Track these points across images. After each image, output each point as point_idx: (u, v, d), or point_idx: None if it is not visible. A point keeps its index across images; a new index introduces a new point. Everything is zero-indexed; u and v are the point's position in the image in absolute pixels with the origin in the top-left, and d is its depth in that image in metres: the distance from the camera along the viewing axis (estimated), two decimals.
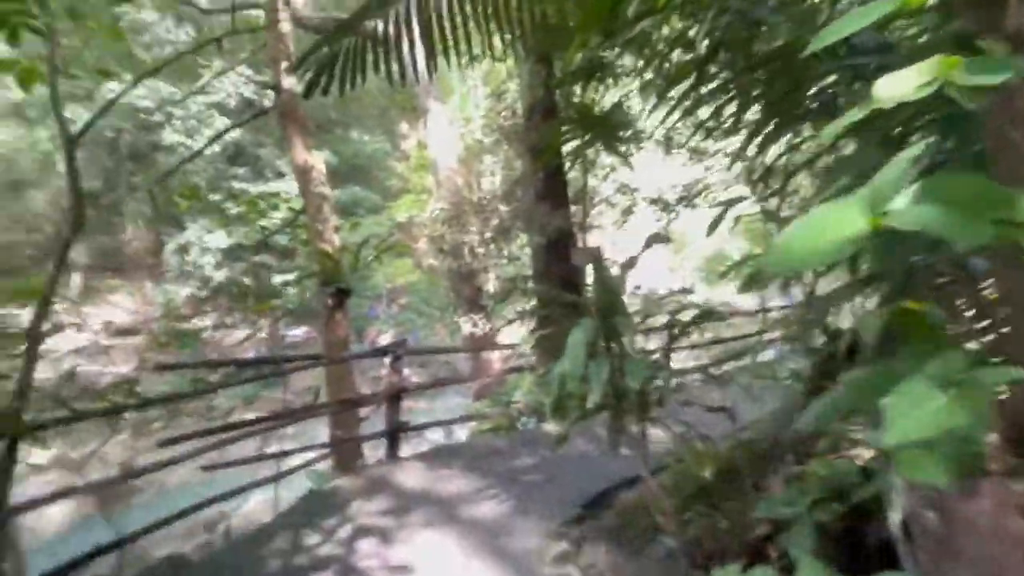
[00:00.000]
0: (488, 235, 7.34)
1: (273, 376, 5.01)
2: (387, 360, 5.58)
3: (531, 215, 7.80)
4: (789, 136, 2.72)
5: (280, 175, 26.06)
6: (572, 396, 2.45)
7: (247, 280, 24.90)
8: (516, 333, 24.23)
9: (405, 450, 6.37)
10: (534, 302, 10.17)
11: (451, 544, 3.39)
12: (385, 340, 22.77)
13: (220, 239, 23.28)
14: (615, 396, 2.51)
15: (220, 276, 24.43)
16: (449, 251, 7.55)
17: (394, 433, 5.51)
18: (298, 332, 25.29)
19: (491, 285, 10.35)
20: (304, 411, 4.82)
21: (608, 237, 10.45)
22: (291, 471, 5.08)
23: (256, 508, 7.29)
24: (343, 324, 6.08)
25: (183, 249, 24.59)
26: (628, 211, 9.77)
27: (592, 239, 8.24)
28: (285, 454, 5.08)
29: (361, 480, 4.75)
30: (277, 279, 28.54)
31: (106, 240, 24.95)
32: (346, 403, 5.39)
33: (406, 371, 21.85)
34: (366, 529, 3.75)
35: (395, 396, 5.54)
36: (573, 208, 8.76)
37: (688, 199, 9.70)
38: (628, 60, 5.36)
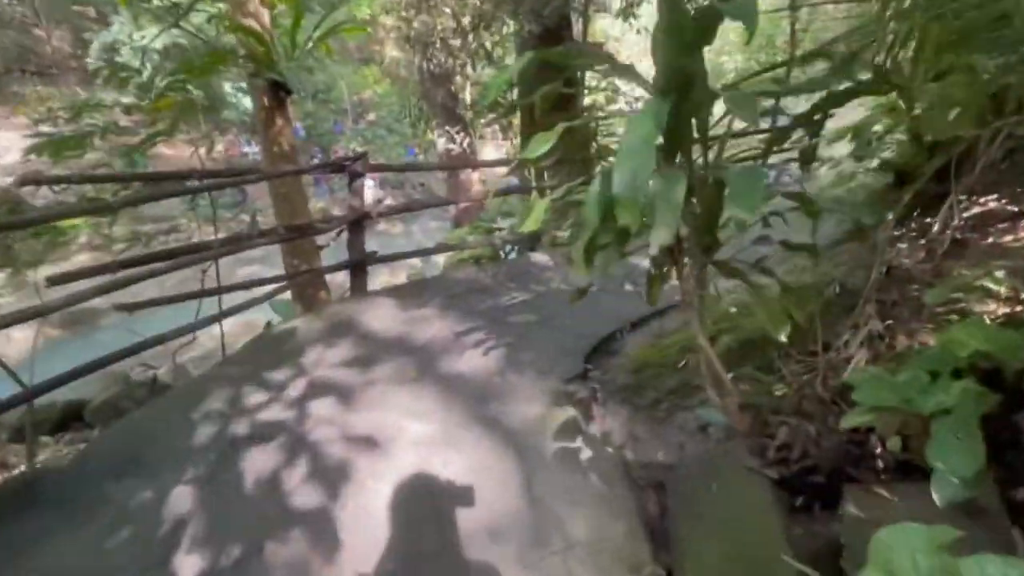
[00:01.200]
0: (467, 21, 5.80)
1: (201, 191, 3.93)
2: (345, 179, 4.51)
3: None
4: None
5: None
6: (615, 233, 1.52)
7: (193, 88, 22.08)
8: (498, 150, 22.68)
9: (376, 283, 5.58)
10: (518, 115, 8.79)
11: (427, 411, 2.69)
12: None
13: (154, 38, 20.07)
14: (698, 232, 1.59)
15: (162, 83, 21.59)
16: (415, 41, 6.03)
17: (359, 265, 4.64)
18: (258, 149, 23.29)
19: (468, 92, 8.84)
20: (237, 241, 3.85)
21: (611, 31, 8.81)
22: (238, 308, 4.25)
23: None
24: (286, 131, 4.86)
25: (111, 49, 21.33)
26: None
27: (595, 32, 6.70)
28: (230, 289, 4.21)
29: (321, 321, 3.97)
30: (229, 87, 25.69)
31: (15, 37, 21.41)
32: (294, 229, 4.42)
33: (379, 192, 20.51)
34: (324, 385, 3.03)
35: (357, 222, 4.57)
36: None
37: None
38: None
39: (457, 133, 8.04)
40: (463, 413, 2.60)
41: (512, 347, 3.40)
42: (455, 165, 6.14)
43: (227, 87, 25.68)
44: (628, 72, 1.84)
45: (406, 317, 4.00)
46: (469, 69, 7.11)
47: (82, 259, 15.66)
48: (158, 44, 20.63)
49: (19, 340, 12.11)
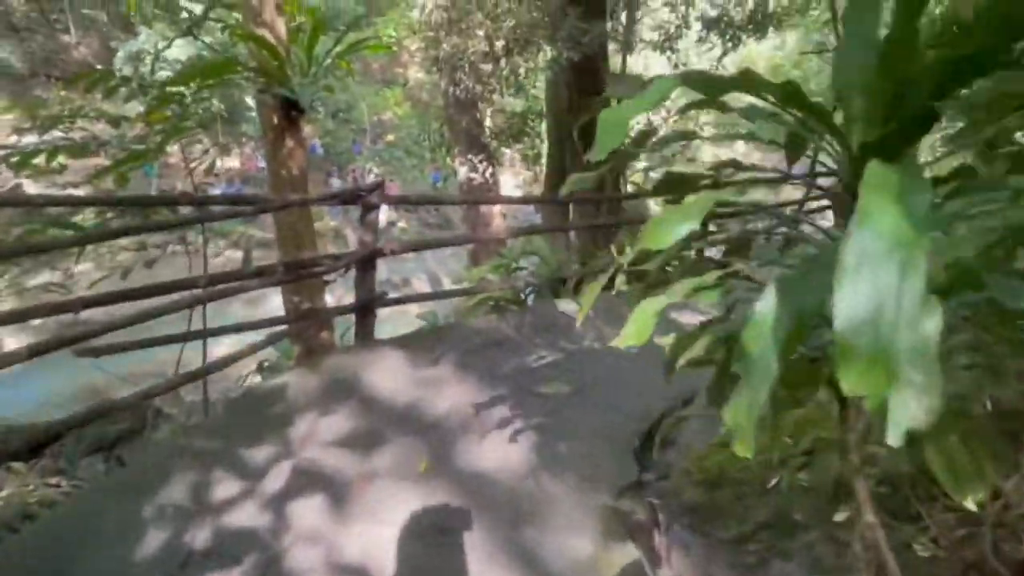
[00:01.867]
0: (500, 45, 5.32)
1: (191, 224, 3.38)
2: (357, 210, 3.96)
3: (557, 22, 5.69)
4: None
5: None
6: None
7: (214, 100, 21.96)
8: (516, 178, 22.27)
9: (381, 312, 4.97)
10: (547, 144, 8.29)
11: (441, 531, 2.06)
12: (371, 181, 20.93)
13: (179, 50, 20.03)
14: None
15: (153, 94, 21.46)
16: (444, 63, 5.56)
17: (366, 307, 4.07)
18: None
19: (494, 120, 8.37)
20: (227, 280, 3.29)
21: (644, 62, 8.38)
22: (224, 362, 3.66)
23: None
24: (296, 154, 4.33)
25: (136, 58, 21.30)
26: (677, 32, 7.56)
27: (634, 63, 6.22)
28: (217, 332, 3.64)
29: (317, 376, 3.37)
30: (251, 100, 25.64)
31: (45, 43, 21.44)
32: (296, 267, 3.86)
33: (391, 214, 20.07)
34: (312, 475, 2.42)
35: (368, 259, 4.01)
36: (609, 25, 6.59)
37: (761, 22, 7.47)
38: None
39: (480, 162, 7.55)
40: (488, 543, 1.97)
41: (545, 431, 2.78)
42: (478, 200, 5.62)
43: (248, 100, 25.73)
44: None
45: (417, 377, 3.40)
46: (496, 96, 6.60)
47: (85, 267, 15.29)
48: (182, 56, 20.61)
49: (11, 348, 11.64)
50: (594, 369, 3.66)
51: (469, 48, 5.51)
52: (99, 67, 22.63)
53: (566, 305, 4.98)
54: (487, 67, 5.81)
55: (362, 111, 21.51)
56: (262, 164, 22.72)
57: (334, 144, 23.35)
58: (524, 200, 6.49)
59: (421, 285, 15.51)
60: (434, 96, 27.18)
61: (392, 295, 4.80)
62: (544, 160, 8.52)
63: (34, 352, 2.91)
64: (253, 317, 4.59)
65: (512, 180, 21.10)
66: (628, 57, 6.06)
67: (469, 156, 7.53)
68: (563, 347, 4.03)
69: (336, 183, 20.91)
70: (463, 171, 7.68)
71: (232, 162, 22.35)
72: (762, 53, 27.09)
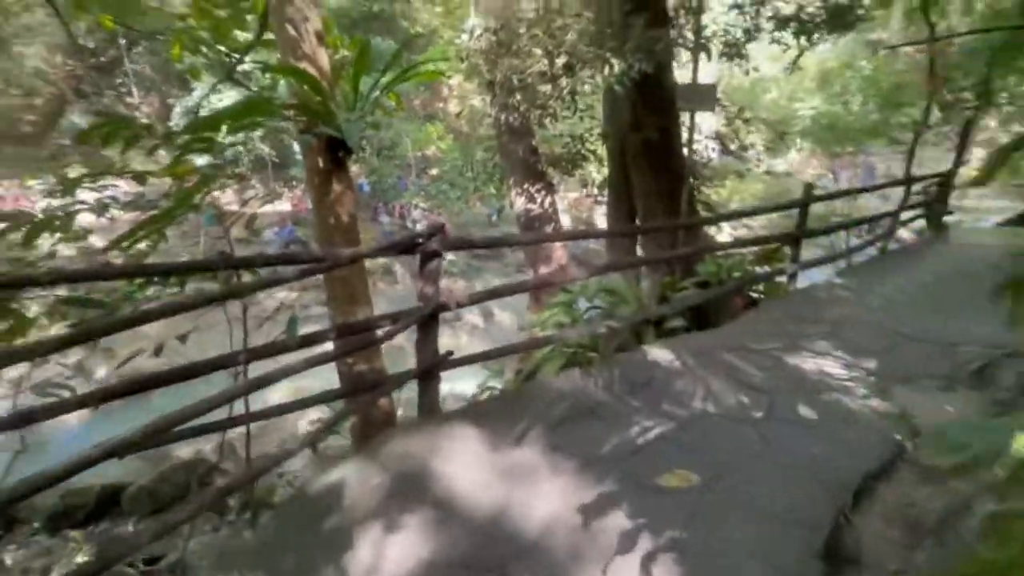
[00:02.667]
0: (561, 62, 4.73)
1: (224, 300, 2.83)
2: (417, 259, 3.35)
3: (619, 32, 5.05)
4: None
5: None
6: None
7: (265, 147, 22.50)
8: (565, 206, 21.56)
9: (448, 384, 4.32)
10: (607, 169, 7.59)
11: None
12: (417, 217, 20.62)
13: (230, 100, 20.57)
14: None
15: (233, 142, 22.08)
16: (499, 87, 5.01)
17: (429, 372, 3.43)
18: None
19: (546, 145, 7.75)
20: (270, 353, 2.70)
21: (708, 69, 7.66)
22: (277, 459, 3.06)
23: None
24: (345, 199, 3.79)
25: (192, 113, 22.03)
26: (746, 35, 6.82)
27: (702, 73, 5.50)
28: (256, 417, 3.06)
29: (378, 469, 2.73)
30: (298, 147, 26.13)
31: (110, 105, 22.43)
32: (348, 331, 3.27)
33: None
34: None
35: (431, 317, 3.38)
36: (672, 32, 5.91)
37: (838, 18, 6.65)
38: None
39: (538, 192, 6.94)
40: None
41: (685, 554, 2.03)
42: (546, 238, 4.99)
43: (296, 146, 26.26)
44: None
45: (500, 466, 2.71)
46: (550, 121, 5.98)
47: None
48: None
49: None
50: (722, 444, 2.88)
51: (527, 68, 4.93)
52: (157, 125, 23.55)
53: (657, 352, 4.21)
54: (545, 88, 5.21)
55: (406, 147, 21.44)
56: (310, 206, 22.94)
57: (380, 181, 23.36)
58: (594, 233, 5.78)
59: (473, 318, 14.95)
60: (475, 127, 27.04)
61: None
62: (600, 182, 7.82)
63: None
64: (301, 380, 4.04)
65: (560, 204, 20.49)
66: (697, 66, 5.33)
67: (525, 186, 6.93)
68: (671, 412, 3.27)
69: (385, 220, 20.79)
70: (520, 202, 7.07)
71: (283, 205, 22.62)
72: (809, 55, 25.67)
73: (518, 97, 5.41)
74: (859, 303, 5.28)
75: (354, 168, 26.01)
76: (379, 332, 3.35)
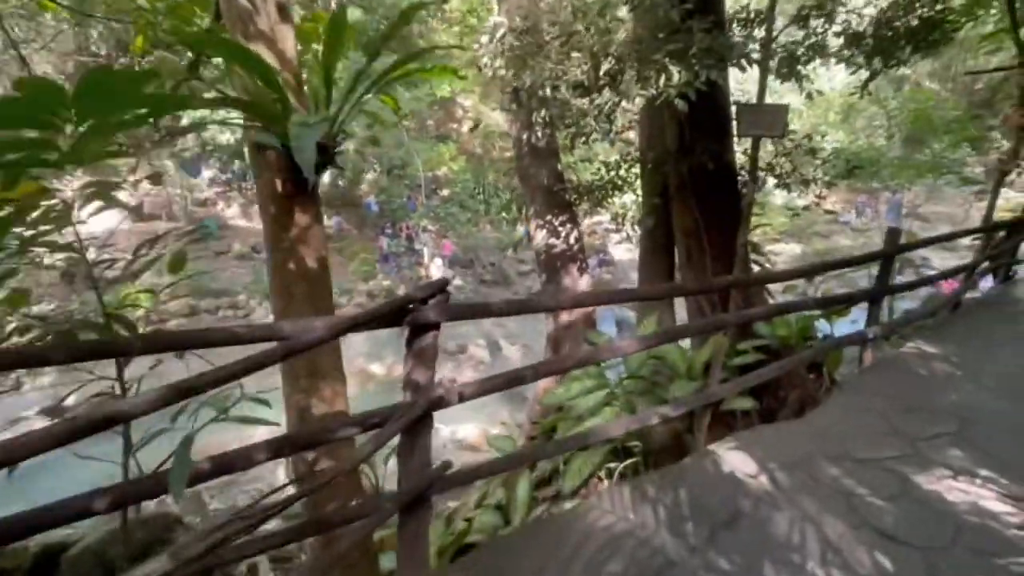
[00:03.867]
0: (606, 68, 3.64)
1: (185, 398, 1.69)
2: (404, 334, 2.23)
3: (678, 37, 3.97)
4: None
5: None
6: None
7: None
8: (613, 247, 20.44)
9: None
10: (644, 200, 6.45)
11: None
12: (425, 240, 19.56)
13: (237, 114, 19.74)
14: None
15: (241, 156, 21.22)
16: (527, 96, 3.94)
17: (416, 502, 2.27)
18: (330, 223, 22.31)
19: (576, 172, 6.65)
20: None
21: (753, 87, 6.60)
22: None
23: None
24: (312, 237, 2.68)
25: (197, 126, 21.29)
26: (809, 52, 5.77)
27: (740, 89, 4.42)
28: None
29: None
30: None
31: None
32: (308, 444, 2.13)
33: (447, 271, 18.59)
34: None
35: (421, 418, 2.25)
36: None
37: (924, 35, 5.60)
38: None
39: (561, 224, 5.82)
40: None
41: None
42: (572, 302, 3.76)
43: None
44: None
45: None
46: (582, 142, 4.88)
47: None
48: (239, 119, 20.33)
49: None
50: None
51: (562, 75, 3.84)
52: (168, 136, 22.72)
53: (732, 459, 3.03)
54: (581, 102, 4.12)
55: (417, 166, 20.52)
56: None
57: (388, 201, 22.43)
58: (637, 295, 4.66)
59: (478, 351, 13.78)
60: (488, 149, 26.14)
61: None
62: (634, 217, 6.70)
63: None
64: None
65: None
66: (761, 82, 4.25)
67: (548, 217, 5.80)
68: (777, 572, 2.11)
69: (385, 241, 19.72)
70: (540, 235, 5.93)
71: None
72: (831, 87, 24.64)
73: (545, 113, 4.32)
74: (972, 381, 4.09)
75: (363, 187, 25.18)
76: (350, 436, 2.20)
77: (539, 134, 5.00)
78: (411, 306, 2.24)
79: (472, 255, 19.95)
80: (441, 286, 2.35)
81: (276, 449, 1.88)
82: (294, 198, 2.65)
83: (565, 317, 5.89)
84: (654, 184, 5.78)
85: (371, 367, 12.74)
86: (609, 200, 5.95)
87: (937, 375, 4.29)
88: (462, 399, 2.42)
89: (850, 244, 21.70)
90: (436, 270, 18.19)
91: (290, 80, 2.53)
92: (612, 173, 5.79)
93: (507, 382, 2.53)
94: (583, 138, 4.75)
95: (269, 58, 2.47)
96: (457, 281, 18.31)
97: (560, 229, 5.83)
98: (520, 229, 6.45)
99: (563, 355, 3.15)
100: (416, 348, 2.32)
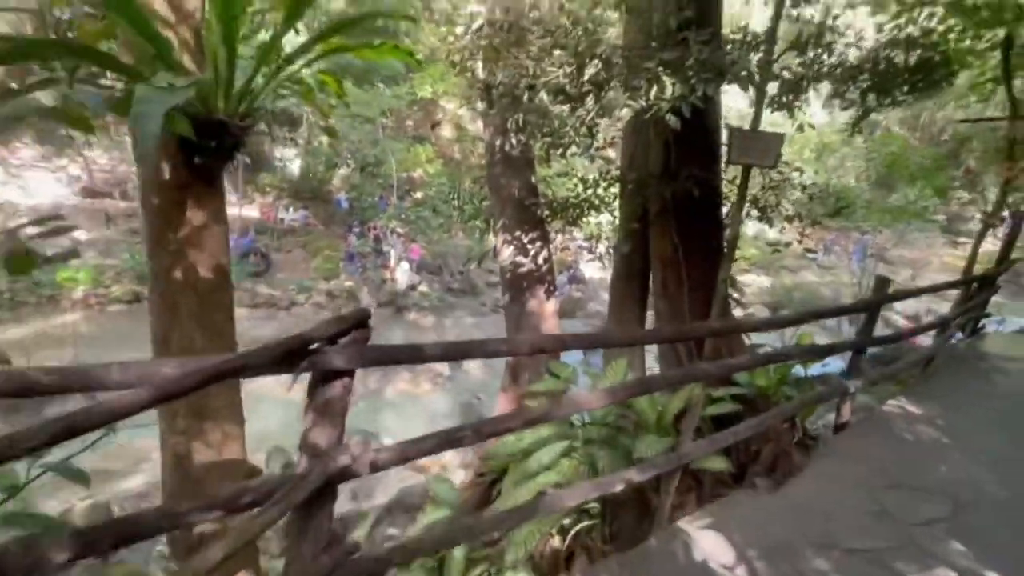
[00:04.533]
0: (590, 73, 3.17)
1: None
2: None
3: (672, 47, 3.53)
4: None
5: None
6: None
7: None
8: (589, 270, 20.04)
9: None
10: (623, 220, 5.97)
11: None
12: (393, 242, 18.79)
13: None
14: None
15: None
16: (499, 99, 3.45)
17: None
18: (297, 216, 21.40)
19: (551, 187, 6.14)
20: None
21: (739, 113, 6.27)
22: None
23: None
24: (210, 239, 2.10)
25: (46, 82, 20.06)
26: (804, 83, 5.43)
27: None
28: None
29: None
30: (279, 153, 24.25)
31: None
32: (174, 517, 1.53)
33: (414, 277, 17.97)
34: None
35: (321, 491, 1.68)
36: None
37: (925, 75, 5.36)
38: None
39: (531, 242, 5.31)
40: None
41: None
42: (528, 346, 3.10)
43: (278, 151, 24.39)
44: None
45: None
46: (560, 154, 4.39)
47: (71, 318, 13.29)
48: None
49: None
50: None
51: (541, 76, 3.35)
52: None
53: (705, 540, 2.55)
54: (561, 109, 3.64)
55: (390, 165, 19.84)
56: (282, 215, 21.03)
57: (359, 199, 21.66)
58: (611, 341, 4.16)
59: (438, 364, 13.13)
60: (467, 155, 25.58)
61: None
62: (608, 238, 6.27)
63: None
64: None
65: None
66: (756, 107, 3.87)
67: (517, 233, 5.28)
68: None
69: (352, 240, 18.94)
70: (507, 252, 5.41)
71: (252, 211, 20.69)
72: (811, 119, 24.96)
73: (520, 117, 3.82)
74: (959, 450, 3.73)
75: (335, 182, 24.30)
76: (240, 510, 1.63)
77: (513, 141, 4.49)
78: (314, 347, 1.69)
79: (441, 261, 19.31)
80: (359, 319, 1.80)
81: (77, 547, 1.29)
82: (187, 188, 2.07)
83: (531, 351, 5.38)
84: (633, 207, 5.33)
85: None
86: (584, 219, 5.48)
87: (923, 441, 3.92)
88: (375, 468, 1.86)
89: (817, 280, 21.86)
90: (402, 274, 17.50)
91: (188, 38, 1.96)
92: (590, 191, 5.32)
93: (438, 445, 1.98)
94: (560, 150, 4.26)
95: (162, 8, 1.90)
96: (423, 287, 17.67)
97: (529, 247, 5.32)
98: (490, 240, 5.92)
99: (512, 412, 2.60)
100: (319, 401, 1.77)
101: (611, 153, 5.64)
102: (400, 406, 11.73)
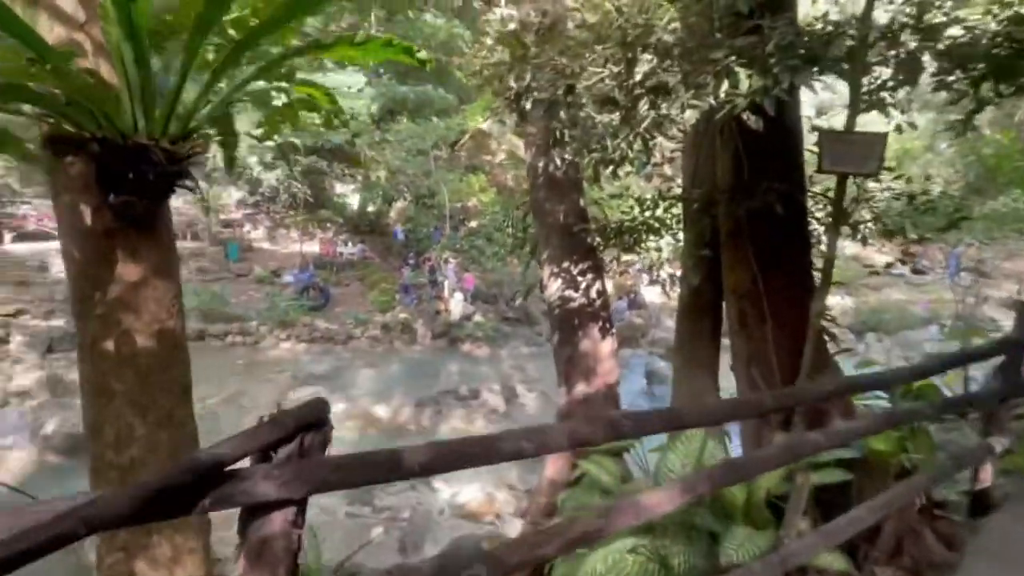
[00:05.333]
0: (641, 72, 2.55)
1: None
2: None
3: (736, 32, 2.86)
4: None
5: (341, 64, 21.33)
6: None
7: (301, 185, 21.01)
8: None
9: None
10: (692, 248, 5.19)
11: None
12: (447, 273, 18.48)
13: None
14: None
15: (271, 179, 20.78)
16: (536, 107, 2.87)
17: None
18: (355, 250, 21.63)
19: (604, 209, 5.44)
20: None
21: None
22: None
23: None
24: (148, 298, 1.61)
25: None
26: (901, 76, 4.54)
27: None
28: None
29: None
30: (339, 188, 24.79)
31: None
32: None
33: (468, 307, 17.52)
34: None
35: None
36: None
37: None
38: None
39: (581, 274, 4.65)
40: None
41: None
42: (582, 438, 2.39)
43: (338, 187, 24.93)
44: None
45: None
46: (611, 172, 3.74)
47: None
48: (269, 141, 20.01)
49: (16, 459, 9.73)
50: None
51: (583, 76, 2.75)
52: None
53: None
54: (609, 118, 3.01)
55: (444, 196, 19.76)
56: (341, 249, 21.31)
57: (414, 231, 21.70)
58: (684, 420, 3.43)
59: (492, 398, 12.51)
60: (520, 182, 25.30)
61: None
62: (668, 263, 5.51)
63: None
64: None
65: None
66: (851, 105, 3.12)
67: (565, 264, 4.64)
68: None
69: (406, 272, 18.83)
70: (554, 286, 4.77)
71: (313, 247, 21.11)
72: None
73: (566, 132, 3.23)
74: None
75: (391, 215, 24.57)
76: None
77: (557, 161, 3.91)
78: (195, 477, 1.10)
79: (496, 290, 18.86)
80: (309, 419, 1.22)
81: None
82: (114, 236, 1.59)
83: (581, 387, 4.67)
84: (700, 229, 4.59)
85: (375, 409, 11.61)
86: (642, 245, 4.78)
87: None
88: None
89: (905, 299, 19.77)
90: (456, 304, 17.16)
91: (88, 41, 1.49)
92: (647, 213, 4.63)
93: None
94: (611, 167, 3.63)
95: (68, 4, 1.45)
96: (478, 317, 17.23)
97: (579, 279, 4.66)
98: (539, 271, 5.31)
99: (545, 531, 1.94)
100: (253, 542, 1.19)
101: (669, 170, 4.96)
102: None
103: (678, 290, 5.10)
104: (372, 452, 1.27)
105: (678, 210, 4.99)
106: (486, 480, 9.61)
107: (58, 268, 16.18)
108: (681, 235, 5.18)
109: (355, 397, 12.23)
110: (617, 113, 3.12)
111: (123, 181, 1.47)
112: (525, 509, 8.46)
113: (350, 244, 21.65)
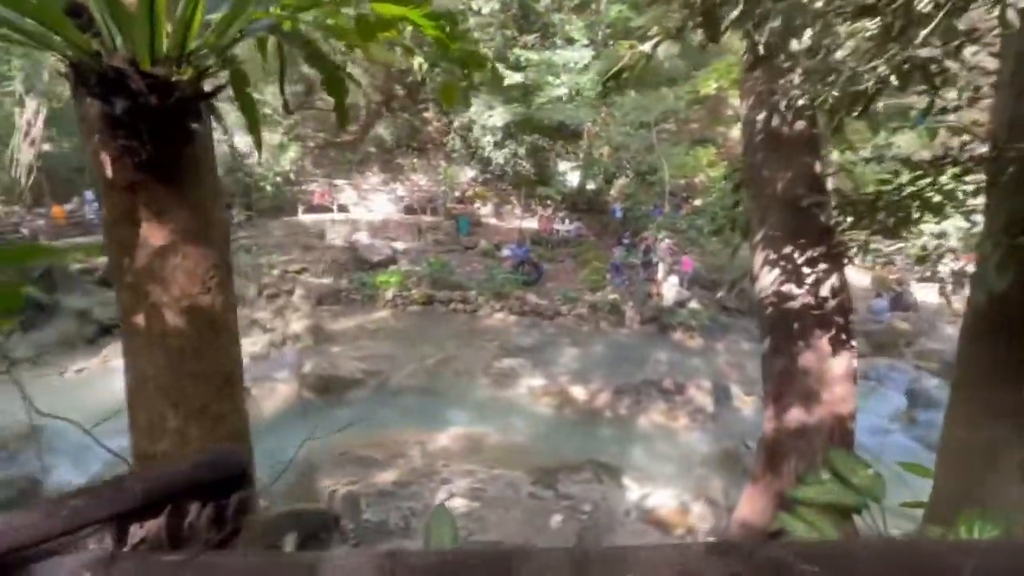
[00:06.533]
0: None
1: None
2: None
3: None
4: None
5: (570, 41, 21.27)
6: None
7: (526, 163, 21.72)
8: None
9: None
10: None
11: None
12: (663, 254, 17.16)
13: (498, 117, 20.32)
14: None
15: (499, 157, 21.85)
16: (760, 23, 1.97)
17: None
18: (571, 227, 21.62)
19: (852, 177, 3.96)
20: None
21: None
22: None
23: None
24: (175, 264, 1.33)
25: (465, 128, 22.60)
26: None
27: None
28: None
29: None
30: (562, 166, 25.02)
31: (407, 119, 24.57)
32: None
33: (683, 292, 16.55)
34: None
35: None
36: None
37: None
38: None
39: (810, 262, 3.40)
40: None
41: None
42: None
43: (561, 164, 25.16)
44: None
45: None
46: (848, 124, 2.53)
47: (381, 315, 15.76)
48: (499, 122, 20.92)
49: (281, 392, 11.87)
50: None
51: None
52: (443, 138, 25.03)
53: None
54: (868, 24, 1.93)
55: (664, 171, 18.35)
56: (558, 226, 21.49)
57: (633, 208, 20.77)
58: None
59: (699, 396, 11.18)
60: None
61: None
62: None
63: None
64: None
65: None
66: None
67: (787, 249, 3.44)
68: None
69: (617, 251, 18.01)
70: (769, 276, 3.61)
71: (532, 223, 21.75)
72: None
73: (790, 77, 2.22)
74: None
75: (612, 192, 23.92)
76: None
77: (782, 107, 2.82)
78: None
79: (717, 276, 16.98)
80: (183, 485, 0.73)
81: None
82: (137, 192, 1.32)
83: (796, 414, 3.48)
84: (1016, 206, 3.01)
85: (572, 389, 11.34)
86: (912, 228, 3.35)
87: None
88: None
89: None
90: (669, 288, 15.90)
91: None
92: (923, 181, 3.19)
93: None
94: (858, 109, 2.46)
95: None
96: (693, 304, 15.72)
97: (805, 269, 3.44)
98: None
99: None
100: None
101: (974, 113, 3.36)
102: (651, 440, 10.29)
103: (966, 293, 3.50)
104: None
105: (977, 177, 3.38)
106: (683, 486, 8.60)
107: (332, 235, 19.52)
108: (979, 215, 3.53)
109: (555, 374, 12.13)
110: (877, 19, 2.01)
111: (122, 120, 1.17)
112: (723, 530, 7.33)
113: (567, 221, 21.74)
